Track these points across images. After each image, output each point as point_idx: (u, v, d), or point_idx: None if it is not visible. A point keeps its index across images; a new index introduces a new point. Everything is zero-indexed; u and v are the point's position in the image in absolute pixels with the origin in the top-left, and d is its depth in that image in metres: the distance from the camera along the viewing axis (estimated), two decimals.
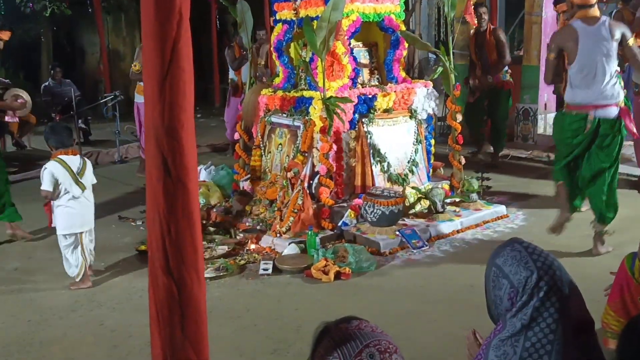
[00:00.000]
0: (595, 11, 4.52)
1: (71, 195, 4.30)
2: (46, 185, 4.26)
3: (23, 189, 7.02)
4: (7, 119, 5.86)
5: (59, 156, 4.34)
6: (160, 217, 1.40)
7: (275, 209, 5.32)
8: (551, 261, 1.78)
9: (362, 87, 5.62)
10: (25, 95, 6.05)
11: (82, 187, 4.32)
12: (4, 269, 4.82)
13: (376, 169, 5.54)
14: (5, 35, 6.15)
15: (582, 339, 1.73)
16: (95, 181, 4.52)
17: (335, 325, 1.40)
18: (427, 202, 5.46)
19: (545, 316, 1.71)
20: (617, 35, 4.46)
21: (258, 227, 5.35)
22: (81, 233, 4.35)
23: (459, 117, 5.88)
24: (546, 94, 9.02)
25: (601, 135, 4.59)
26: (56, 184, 4.27)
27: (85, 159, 4.49)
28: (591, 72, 4.50)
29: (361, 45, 5.89)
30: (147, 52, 1.36)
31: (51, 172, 4.26)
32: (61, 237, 4.35)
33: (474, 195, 5.78)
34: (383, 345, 1.33)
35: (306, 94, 5.54)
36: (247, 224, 5.43)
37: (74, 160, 4.35)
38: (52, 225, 4.47)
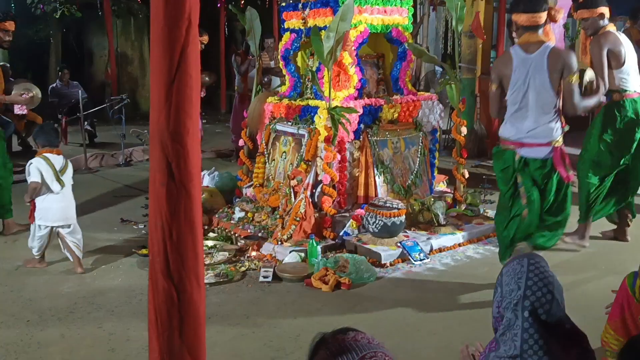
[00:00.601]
0: (537, 36, 4.04)
1: (51, 191, 4.63)
2: (35, 177, 4.59)
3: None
4: (16, 110, 6.27)
5: (44, 154, 4.66)
6: (162, 220, 1.40)
7: (277, 216, 5.33)
8: (546, 283, 1.78)
9: (368, 98, 5.63)
10: (34, 90, 6.47)
11: (62, 184, 4.66)
12: (5, 268, 4.83)
13: (379, 179, 5.54)
14: (11, 25, 6.30)
15: (573, 354, 1.74)
16: (72, 182, 4.82)
17: (331, 336, 1.40)
18: (430, 215, 5.46)
19: (531, 343, 1.73)
20: (558, 66, 3.93)
21: (259, 234, 5.35)
22: (57, 228, 4.67)
23: (464, 131, 5.87)
24: None
25: (534, 177, 4.14)
26: (40, 179, 4.60)
27: (68, 160, 4.84)
28: (523, 105, 4.05)
29: (368, 56, 5.91)
30: (155, 57, 1.36)
31: (37, 166, 4.59)
32: (36, 226, 4.70)
33: (477, 209, 5.78)
34: (379, 357, 1.33)
35: (312, 103, 5.56)
36: (248, 230, 5.43)
37: (58, 159, 4.69)
38: (33, 220, 4.74)
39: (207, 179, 6.52)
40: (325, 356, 1.35)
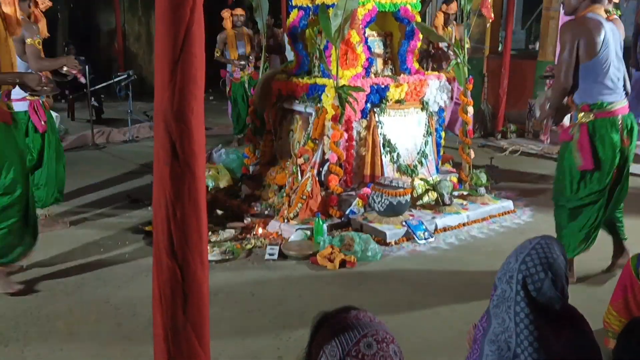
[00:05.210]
0: None
1: None
2: None
3: None
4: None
5: None
6: (166, 200, 1.41)
7: (284, 194, 5.34)
8: (543, 263, 1.79)
9: (375, 77, 5.61)
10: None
11: None
12: None
13: (386, 159, 5.54)
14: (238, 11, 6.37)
15: (564, 335, 1.76)
16: None
17: (333, 315, 1.42)
18: (435, 194, 5.46)
19: (522, 317, 1.76)
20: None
21: (266, 212, 5.37)
22: None
23: (470, 111, 5.85)
24: None
25: None
26: None
27: None
28: None
29: (376, 34, 5.87)
30: (160, 37, 1.37)
31: None
32: None
33: (482, 189, 5.78)
34: (380, 335, 1.34)
35: (319, 81, 5.54)
36: (255, 208, 5.46)
37: None
38: None
39: (214, 157, 6.53)
40: (327, 335, 1.37)
